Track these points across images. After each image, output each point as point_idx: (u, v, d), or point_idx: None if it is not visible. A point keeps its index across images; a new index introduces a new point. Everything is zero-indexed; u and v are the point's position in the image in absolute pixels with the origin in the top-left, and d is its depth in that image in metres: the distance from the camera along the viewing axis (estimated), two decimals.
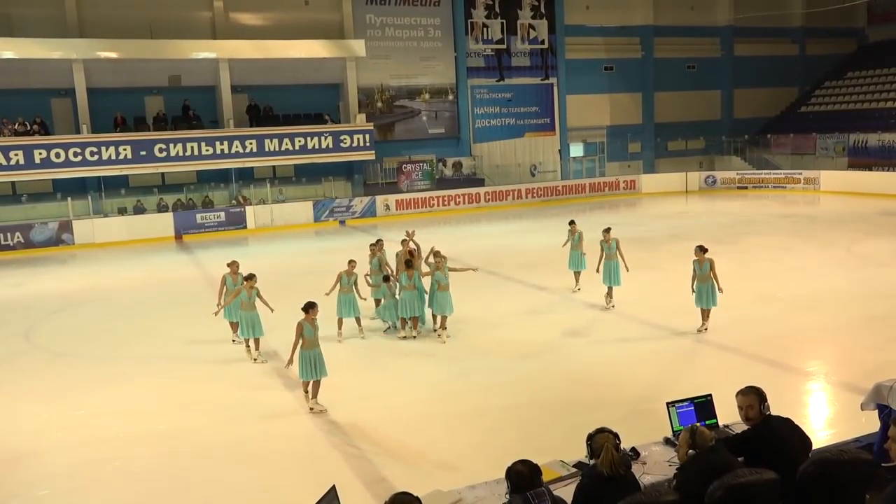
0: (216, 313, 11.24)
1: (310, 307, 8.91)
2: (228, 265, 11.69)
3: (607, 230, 13.11)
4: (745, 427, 5.16)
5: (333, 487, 4.07)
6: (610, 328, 11.76)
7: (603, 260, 12.84)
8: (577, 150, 35.09)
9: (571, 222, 14.72)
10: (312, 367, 8.62)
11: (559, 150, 34.22)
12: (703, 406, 5.39)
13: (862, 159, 30.21)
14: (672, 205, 28.82)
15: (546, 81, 34.03)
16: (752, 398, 4.76)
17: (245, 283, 10.94)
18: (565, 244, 14.51)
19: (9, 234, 23.87)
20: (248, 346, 11.07)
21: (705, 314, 11.04)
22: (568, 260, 14.31)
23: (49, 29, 25.38)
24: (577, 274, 14.17)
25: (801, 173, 31.17)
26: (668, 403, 5.37)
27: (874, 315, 11.52)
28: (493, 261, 17.55)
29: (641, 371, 9.50)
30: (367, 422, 8.20)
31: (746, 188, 32.24)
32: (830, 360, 9.94)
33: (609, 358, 10.15)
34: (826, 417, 7.90)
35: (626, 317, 12.27)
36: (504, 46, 33.08)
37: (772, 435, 4.59)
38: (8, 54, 24.28)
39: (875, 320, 11.25)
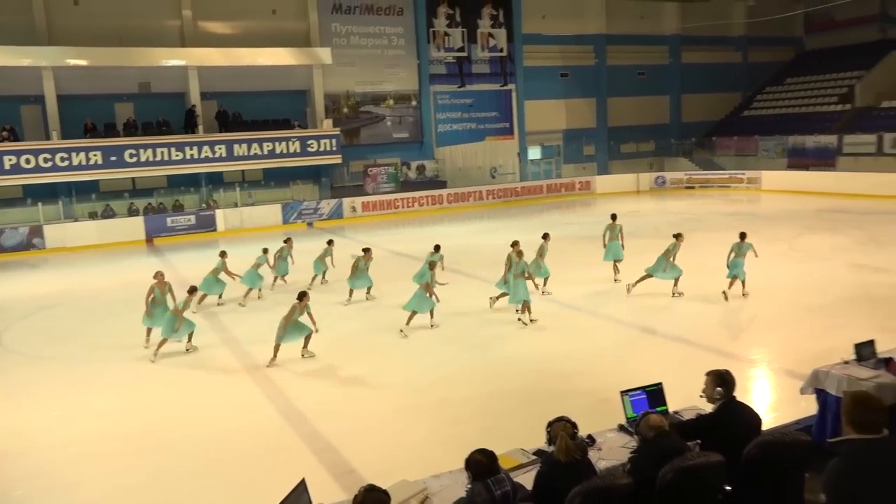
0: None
1: (303, 296, 10.30)
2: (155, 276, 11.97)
3: (614, 216, 15.21)
4: (696, 412, 5.27)
5: (303, 480, 4.04)
6: (568, 323, 11.88)
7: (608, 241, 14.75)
8: (534, 152, 35.32)
9: (614, 216, 15.43)
10: (293, 333, 10.20)
11: (518, 153, 34.40)
12: (655, 394, 5.47)
13: (800, 160, 30.94)
14: (625, 204, 29.14)
15: (505, 87, 34.19)
16: (708, 379, 4.87)
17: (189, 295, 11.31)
18: (605, 235, 15.08)
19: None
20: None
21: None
22: (607, 251, 15.00)
23: (18, 36, 24.70)
24: (616, 263, 14.80)
25: (744, 173, 31.83)
26: (621, 392, 5.45)
27: (813, 305, 11.82)
28: (457, 259, 17.56)
29: (599, 362, 9.61)
30: (335, 415, 8.17)
31: (694, 188, 32.81)
32: (773, 348, 10.16)
33: (568, 351, 10.24)
34: (769, 402, 8.09)
35: (584, 311, 12.41)
36: (465, 54, 33.15)
37: (728, 419, 4.68)
38: None
39: (814, 310, 11.55)
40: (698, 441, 4.70)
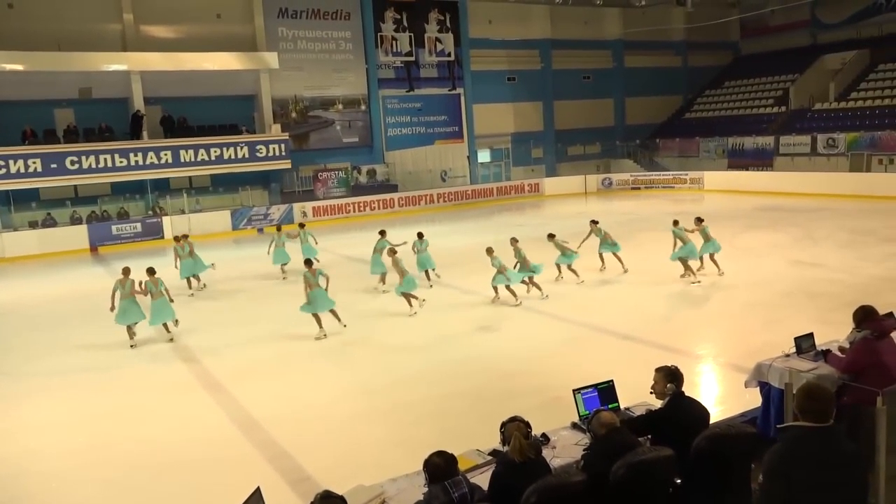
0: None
1: (309, 263, 11.81)
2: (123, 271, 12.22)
3: (595, 221, 15.94)
4: (646, 408, 5.36)
5: (258, 489, 3.98)
6: (519, 323, 11.96)
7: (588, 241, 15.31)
8: (484, 156, 35.53)
9: (594, 221, 16.06)
10: (313, 304, 11.24)
11: (468, 157, 34.54)
12: (606, 391, 5.55)
13: (739, 160, 31.88)
14: (573, 206, 29.58)
15: (453, 92, 34.30)
16: (658, 376, 4.96)
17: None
18: (585, 241, 15.41)
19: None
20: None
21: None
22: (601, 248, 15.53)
23: None
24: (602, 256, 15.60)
25: (687, 174, 32.60)
26: (574, 390, 5.51)
27: (754, 301, 12.16)
28: (409, 262, 17.49)
29: (549, 361, 9.70)
30: (288, 422, 8.05)
31: (639, 188, 33.45)
32: (717, 343, 10.42)
33: (519, 350, 10.32)
34: (715, 395, 8.28)
35: (534, 311, 12.51)
36: (413, 59, 33.15)
37: (677, 413, 4.77)
38: None
39: (755, 305, 11.88)
40: (649, 436, 4.79)
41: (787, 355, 6.46)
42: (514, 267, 13.36)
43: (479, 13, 34.25)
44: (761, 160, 31.05)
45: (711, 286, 13.42)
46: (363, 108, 32.15)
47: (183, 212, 26.65)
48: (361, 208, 29.59)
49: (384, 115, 32.67)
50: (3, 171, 23.60)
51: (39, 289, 18.07)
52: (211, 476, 6.86)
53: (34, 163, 24.08)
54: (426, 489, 4.03)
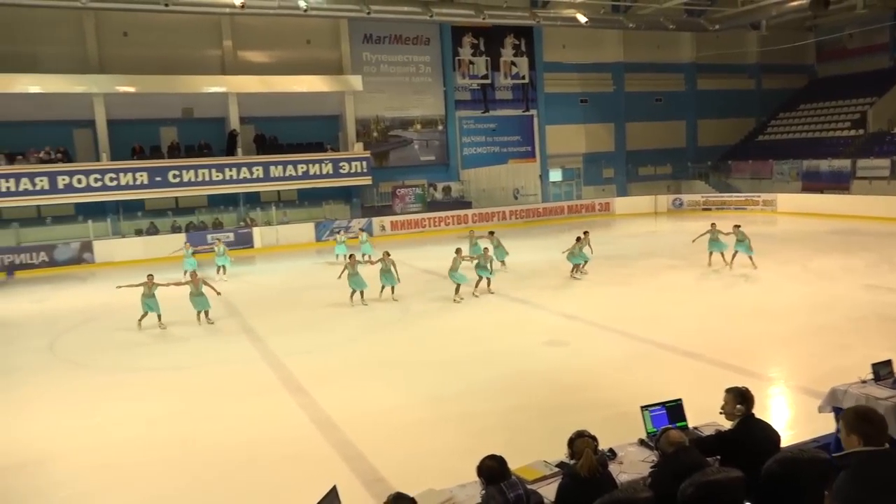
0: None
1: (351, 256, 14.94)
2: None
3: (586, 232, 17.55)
4: (715, 429, 5.17)
5: (334, 487, 4.02)
6: (586, 338, 11.76)
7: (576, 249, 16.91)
8: (555, 175, 35.25)
9: (585, 232, 17.65)
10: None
11: (539, 176, 34.37)
12: (675, 409, 5.38)
13: (814, 183, 30.47)
14: (643, 225, 28.96)
15: (527, 113, 34.27)
16: (728, 396, 4.77)
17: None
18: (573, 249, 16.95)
19: (34, 254, 23.69)
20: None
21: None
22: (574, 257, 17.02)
23: (72, 65, 25.37)
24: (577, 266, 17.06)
25: (759, 196, 31.42)
26: (641, 407, 5.36)
27: (826, 325, 11.58)
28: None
29: (616, 377, 9.48)
30: (364, 424, 8.14)
31: (710, 209, 32.42)
32: (788, 366, 9.96)
33: (586, 365, 10.13)
34: (786, 419, 7.91)
35: (601, 327, 12.28)
36: (488, 81, 33.32)
37: (747, 436, 4.58)
38: (34, 89, 24.25)
39: (827, 329, 11.31)
40: (718, 457, 4.61)
41: (864, 381, 6.11)
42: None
43: (553, 38, 34.15)
44: (837, 183, 29.60)
45: (781, 309, 12.86)
46: (440, 128, 32.48)
47: (270, 223, 27.49)
48: (437, 223, 29.82)
49: (460, 135, 32.92)
50: (115, 183, 24.95)
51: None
52: (290, 473, 7.00)
53: (141, 176, 25.37)
54: (483, 491, 4.02)
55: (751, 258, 16.67)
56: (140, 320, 13.97)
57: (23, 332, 14.35)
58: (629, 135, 36.70)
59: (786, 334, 11.44)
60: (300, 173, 27.69)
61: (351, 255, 15.97)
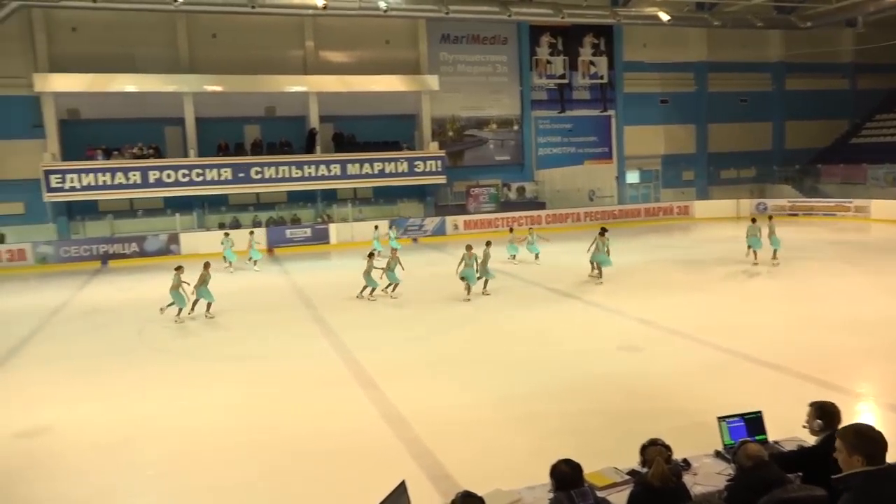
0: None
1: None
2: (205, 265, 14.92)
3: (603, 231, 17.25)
4: (797, 444, 4.94)
5: (403, 482, 4.05)
6: (661, 343, 11.45)
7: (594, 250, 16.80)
8: (633, 177, 34.52)
9: (603, 230, 17.33)
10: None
11: (616, 177, 33.76)
12: (754, 422, 5.16)
13: None
14: (723, 230, 27.95)
15: (604, 113, 33.71)
16: (812, 411, 4.54)
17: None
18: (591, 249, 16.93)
19: (126, 244, 24.99)
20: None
21: None
22: (599, 258, 16.82)
23: (165, 66, 26.61)
24: (599, 266, 16.83)
25: (851, 202, 29.81)
26: (719, 418, 5.18)
27: None
28: (552, 278, 17.38)
29: (692, 385, 9.19)
30: (433, 420, 8.18)
31: (797, 215, 31.01)
32: (877, 382, 9.42)
33: (660, 371, 9.87)
34: None
35: (677, 333, 11.93)
36: (566, 81, 32.95)
37: (832, 453, 4.35)
38: (131, 88, 25.56)
39: None
40: (799, 474, 4.40)
41: None
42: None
43: (634, 37, 33.44)
44: None
45: (871, 322, 12.17)
46: (516, 128, 32.35)
47: (346, 220, 28.04)
48: (510, 223, 29.66)
49: (535, 135, 32.69)
50: (201, 178, 26.02)
51: (224, 283, 19.59)
52: (358, 465, 7.10)
53: (225, 172, 26.36)
54: (551, 496, 3.96)
55: (775, 252, 17.83)
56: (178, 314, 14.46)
57: (114, 318, 15.13)
58: (711, 136, 35.54)
59: (877, 349, 10.81)
60: (376, 171, 28.13)
61: (393, 250, 17.10)
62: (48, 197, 24.58)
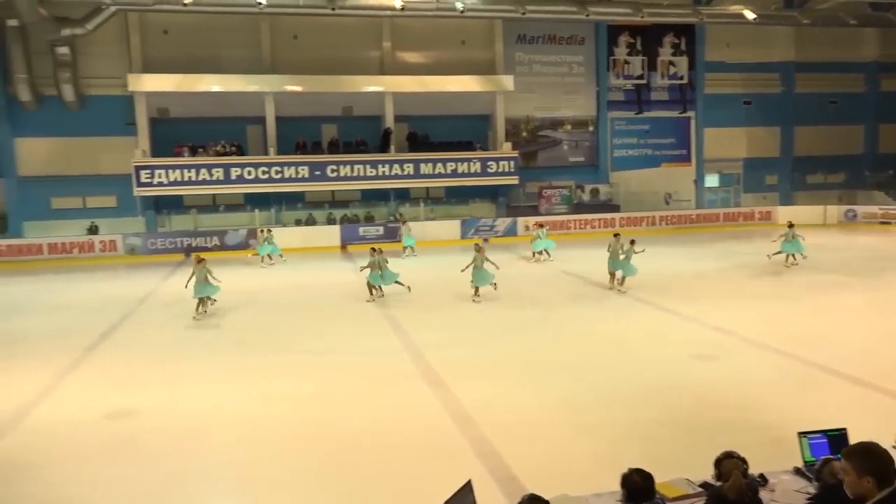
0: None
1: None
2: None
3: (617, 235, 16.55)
4: None
5: (469, 482, 4.05)
6: (737, 353, 11.05)
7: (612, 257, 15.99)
8: (712, 180, 33.44)
9: (616, 234, 16.64)
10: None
11: (694, 180, 32.77)
12: (838, 440, 4.90)
13: None
14: (809, 237, 26.68)
15: (684, 115, 32.77)
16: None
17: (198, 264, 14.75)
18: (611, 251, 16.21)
19: (208, 238, 25.98)
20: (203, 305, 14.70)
21: None
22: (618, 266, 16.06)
23: (248, 66, 27.49)
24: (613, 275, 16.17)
25: None
26: (799, 433, 4.95)
27: None
28: (626, 283, 17.00)
29: (769, 397, 8.83)
30: (500, 421, 8.16)
31: (890, 223, 29.33)
32: None
33: (736, 382, 9.52)
34: None
35: (754, 343, 11.48)
36: (644, 81, 32.23)
37: None
38: (216, 88, 26.54)
39: None
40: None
41: None
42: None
43: (716, 36, 32.35)
44: None
45: None
46: (591, 128, 31.88)
47: (418, 219, 28.28)
48: (582, 226, 29.30)
49: (611, 137, 32.12)
50: (279, 175, 26.77)
51: (298, 277, 20.16)
52: (424, 462, 7.15)
53: (303, 170, 27.03)
54: None
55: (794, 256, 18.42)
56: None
57: (194, 309, 15.72)
58: (797, 139, 33.99)
59: None
60: (449, 171, 28.25)
61: (479, 246, 16.31)
62: (138, 191, 25.81)
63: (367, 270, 15.85)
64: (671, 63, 32.45)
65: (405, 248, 23.61)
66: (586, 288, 16.41)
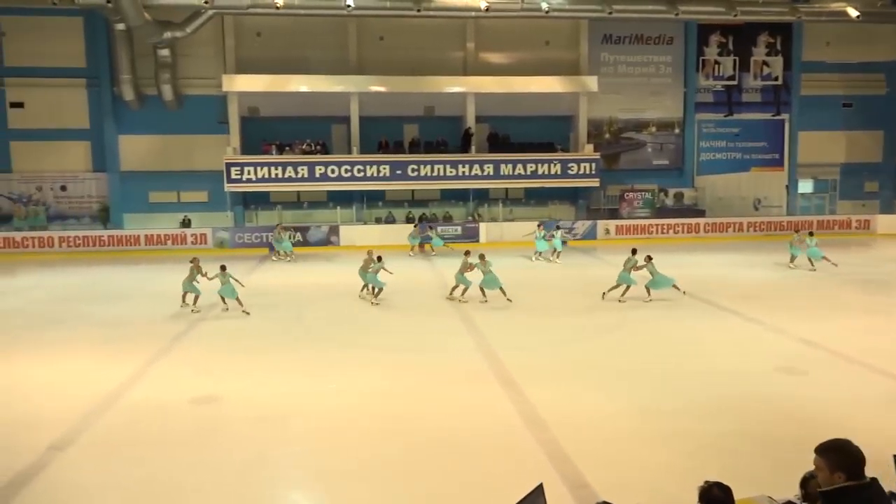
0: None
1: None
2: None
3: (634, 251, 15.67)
4: None
5: (541, 485, 4.03)
6: (826, 367, 10.50)
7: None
8: (805, 186, 31.91)
9: (634, 251, 15.77)
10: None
11: (786, 186, 31.33)
12: None
13: None
14: None
15: (777, 117, 31.40)
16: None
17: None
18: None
19: (291, 234, 26.83)
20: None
21: None
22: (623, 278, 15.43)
23: (334, 67, 28.21)
24: (627, 288, 15.40)
25: None
26: (895, 456, 4.67)
27: None
28: (708, 290, 16.48)
29: (860, 416, 8.34)
30: (573, 426, 8.06)
31: None
32: None
33: (824, 398, 9.04)
34: None
35: (845, 358, 10.88)
36: (735, 82, 31.09)
37: None
38: (304, 88, 27.34)
39: None
40: None
41: None
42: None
43: (815, 35, 30.81)
44: None
45: None
46: (677, 131, 31.01)
47: (496, 220, 28.26)
48: (665, 230, 28.52)
49: (698, 139, 31.15)
50: (361, 174, 27.33)
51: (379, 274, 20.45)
52: (494, 463, 7.14)
53: (384, 169, 27.50)
54: None
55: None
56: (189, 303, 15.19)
57: (276, 302, 16.26)
58: None
59: None
60: (528, 172, 28.10)
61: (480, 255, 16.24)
62: (228, 187, 26.92)
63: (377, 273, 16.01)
64: (765, 63, 31.15)
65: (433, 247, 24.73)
66: (664, 293, 15.93)
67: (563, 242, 23.43)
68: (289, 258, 23.68)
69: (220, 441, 7.85)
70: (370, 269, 16.01)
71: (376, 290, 16.02)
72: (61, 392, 9.65)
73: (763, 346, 11.83)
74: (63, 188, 28.44)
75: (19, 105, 27.82)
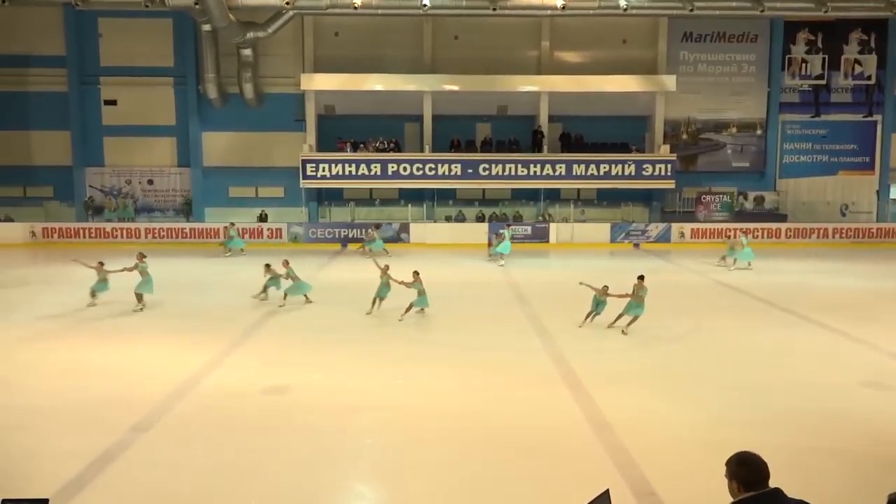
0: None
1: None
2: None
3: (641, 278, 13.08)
4: None
5: (607, 491, 3.96)
6: None
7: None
8: None
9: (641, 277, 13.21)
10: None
11: (877, 191, 29.71)
12: None
13: None
14: None
15: (868, 118, 29.80)
16: None
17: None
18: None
19: (363, 230, 27.27)
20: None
21: None
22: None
23: (409, 66, 28.50)
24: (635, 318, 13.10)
25: None
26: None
27: None
28: (789, 299, 15.80)
29: None
30: (641, 434, 7.87)
31: None
32: None
33: None
34: None
35: None
36: (823, 82, 29.68)
37: None
38: (379, 87, 27.75)
39: None
40: None
41: None
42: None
43: None
44: None
45: None
46: (759, 132, 29.86)
47: (567, 220, 27.92)
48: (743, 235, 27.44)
49: (781, 141, 29.92)
50: (433, 172, 27.52)
51: (445, 273, 20.53)
52: (559, 466, 7.06)
53: (455, 167, 27.60)
54: None
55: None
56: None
57: (346, 297, 16.52)
58: None
59: None
60: (601, 173, 27.63)
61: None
62: (304, 184, 27.59)
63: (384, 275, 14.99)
64: (857, 62, 29.61)
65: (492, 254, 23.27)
66: (742, 299, 15.39)
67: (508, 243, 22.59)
68: (388, 253, 23.44)
69: (289, 430, 8.05)
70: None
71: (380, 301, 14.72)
72: (144, 376, 10.11)
73: (847, 358, 11.26)
74: (150, 182, 29.82)
75: (112, 103, 29.33)
